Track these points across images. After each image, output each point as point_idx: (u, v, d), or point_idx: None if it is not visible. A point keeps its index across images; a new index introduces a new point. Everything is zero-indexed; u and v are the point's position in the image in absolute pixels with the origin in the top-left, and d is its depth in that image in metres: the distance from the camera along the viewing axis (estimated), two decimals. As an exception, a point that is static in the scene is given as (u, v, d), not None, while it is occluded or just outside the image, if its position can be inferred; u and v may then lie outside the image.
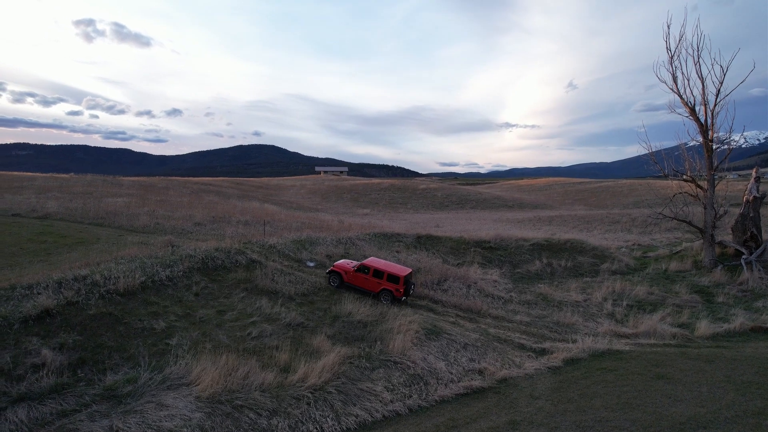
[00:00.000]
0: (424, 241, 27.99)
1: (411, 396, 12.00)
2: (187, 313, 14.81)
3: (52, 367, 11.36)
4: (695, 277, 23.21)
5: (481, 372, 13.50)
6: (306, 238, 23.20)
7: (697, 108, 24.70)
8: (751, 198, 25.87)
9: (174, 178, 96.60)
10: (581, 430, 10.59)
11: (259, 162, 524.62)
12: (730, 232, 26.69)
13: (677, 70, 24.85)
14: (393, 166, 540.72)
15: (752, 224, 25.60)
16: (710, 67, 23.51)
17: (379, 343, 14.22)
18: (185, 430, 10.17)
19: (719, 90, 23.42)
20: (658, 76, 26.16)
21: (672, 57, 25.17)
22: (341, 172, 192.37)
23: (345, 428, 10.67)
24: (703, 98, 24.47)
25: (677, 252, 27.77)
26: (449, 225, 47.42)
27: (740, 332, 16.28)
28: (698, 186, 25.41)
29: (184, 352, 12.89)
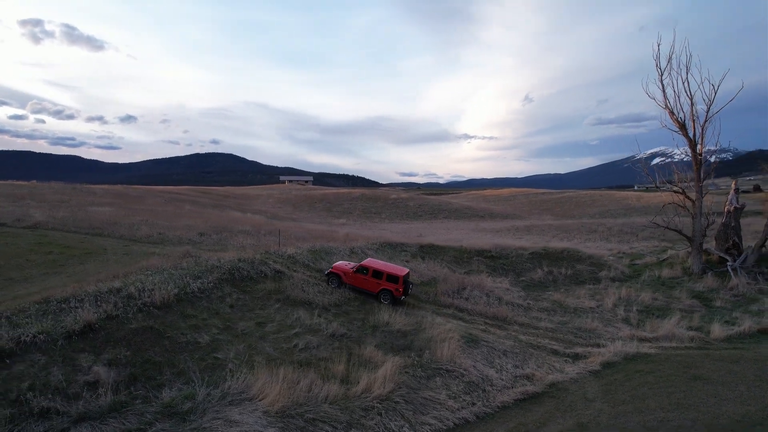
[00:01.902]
0: (428, 251, 28.31)
1: (475, 403, 12.17)
2: (227, 326, 14.45)
3: (107, 385, 10.85)
4: (689, 283, 24.56)
5: (529, 377, 13.82)
6: (321, 248, 23.02)
7: (687, 123, 26.26)
8: (732, 208, 27.68)
9: (139, 186, 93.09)
10: (647, 430, 11.03)
11: (216, 170, 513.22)
12: (713, 240, 28.40)
13: (667, 87, 26.41)
14: (354, 176, 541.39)
15: (734, 233, 27.38)
16: (700, 83, 25.10)
17: (427, 351, 14.34)
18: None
19: (709, 107, 25.06)
20: (647, 92, 27.69)
21: (662, 75, 26.73)
22: (306, 181, 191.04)
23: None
24: (692, 114, 26.09)
25: (664, 260, 29.28)
26: (432, 234, 47.87)
27: (749, 334, 17.38)
28: (687, 197, 26.95)
29: (237, 366, 12.60)
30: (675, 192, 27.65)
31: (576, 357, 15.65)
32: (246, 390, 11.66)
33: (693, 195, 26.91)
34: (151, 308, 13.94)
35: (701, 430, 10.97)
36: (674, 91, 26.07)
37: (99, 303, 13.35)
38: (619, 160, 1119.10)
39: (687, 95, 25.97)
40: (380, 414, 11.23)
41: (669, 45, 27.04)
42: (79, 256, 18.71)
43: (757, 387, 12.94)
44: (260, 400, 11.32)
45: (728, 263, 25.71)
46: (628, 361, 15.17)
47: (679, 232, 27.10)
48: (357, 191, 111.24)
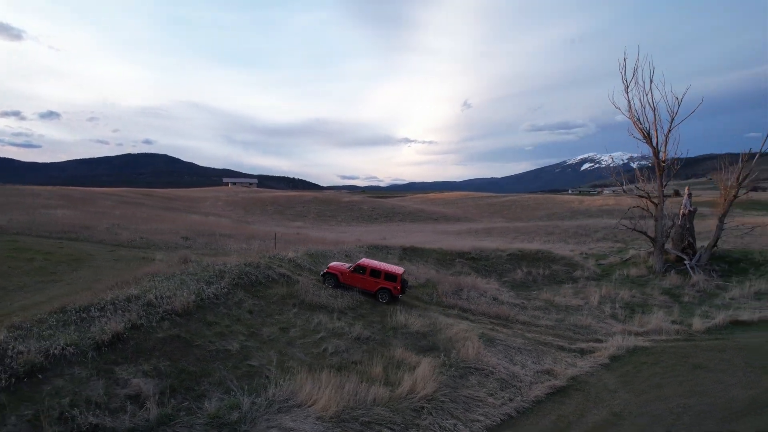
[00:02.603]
0: (410, 253, 28.71)
1: (512, 399, 12.65)
2: (251, 332, 14.09)
3: (149, 398, 10.35)
4: (655, 281, 26.57)
5: (550, 372, 14.51)
6: (316, 251, 22.78)
7: (650, 132, 28.41)
8: (686, 212, 30.21)
9: (76, 188, 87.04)
10: (676, 415, 11.98)
11: (150, 171, 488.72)
12: (670, 241, 30.82)
13: (634, 99, 28.46)
14: (295, 179, 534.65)
15: (688, 234, 29.90)
16: (663, 95, 27.26)
17: (453, 351, 14.69)
18: (324, 451, 9.94)
19: (673, 118, 27.26)
20: (614, 103, 29.75)
21: (627, 87, 28.80)
22: (251, 183, 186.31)
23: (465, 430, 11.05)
24: (655, 124, 28.27)
25: (627, 259, 31.43)
26: (393, 238, 48.17)
27: (724, 326, 19.11)
28: (651, 201, 29.11)
29: (274, 373, 12.38)
30: (640, 196, 29.76)
31: (582, 352, 16.56)
32: (292, 397, 11.49)
33: (656, 199, 29.09)
34: (174, 316, 13.35)
35: (721, 413, 12.03)
36: (640, 102, 28.16)
37: (120, 312, 12.62)
38: (551, 165, 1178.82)
39: (650, 107, 28.14)
40: (431, 414, 11.45)
41: (633, 60, 29.16)
42: (68, 262, 17.45)
43: (751, 373, 14.33)
44: (310, 406, 11.20)
45: (686, 262, 28.05)
46: (631, 354, 16.26)
47: (644, 233, 29.22)
48: (308, 194, 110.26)
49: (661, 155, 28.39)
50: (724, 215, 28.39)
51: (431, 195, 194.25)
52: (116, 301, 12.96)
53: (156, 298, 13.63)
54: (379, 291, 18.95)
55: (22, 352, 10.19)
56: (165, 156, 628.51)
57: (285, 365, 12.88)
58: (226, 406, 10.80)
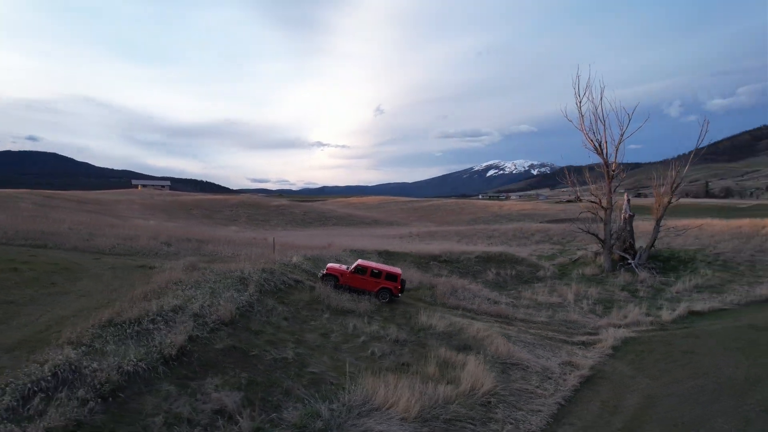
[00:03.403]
0: (386, 257, 29.20)
1: (557, 389, 13.71)
2: (297, 339, 13.87)
3: (235, 412, 9.99)
4: (610, 279, 29.47)
5: (571, 364, 15.82)
6: (313, 256, 22.54)
7: (601, 144, 31.45)
8: (626, 216, 33.75)
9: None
10: (696, 393, 13.71)
11: (37, 171, 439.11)
12: (615, 242, 34.21)
13: (586, 113, 31.35)
14: (203, 181, 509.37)
15: (629, 236, 33.43)
16: (614, 110, 30.37)
17: (486, 349, 15.45)
18: (419, 450, 10.24)
19: (623, 132, 30.47)
20: (567, 117, 32.56)
21: (580, 102, 31.71)
22: (163, 186, 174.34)
23: (544, 422, 11.90)
24: (604, 137, 31.37)
25: (576, 260, 34.42)
26: (340, 242, 48.08)
27: (685, 316, 21.80)
28: (601, 206, 32.16)
29: (336, 379, 12.38)
30: (592, 202, 32.76)
31: (584, 344, 18.18)
32: (367, 401, 11.57)
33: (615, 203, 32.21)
34: (222, 326, 12.78)
35: (728, 390, 13.90)
36: (594, 116, 31.12)
37: (171, 323, 11.87)
38: (459, 171, 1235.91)
39: (601, 121, 31.23)
40: (499, 407, 12.13)
41: (576, 76, 32.23)
42: (58, 272, 15.73)
43: (732, 355, 16.58)
44: (388, 409, 11.36)
45: (630, 261, 31.37)
46: (625, 344, 18.13)
47: (596, 235, 32.21)
48: (233, 198, 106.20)
49: (613, 165, 31.53)
50: (659, 219, 32.14)
51: (352, 199, 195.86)
52: (163, 313, 12.14)
53: (200, 308, 12.93)
54: (380, 291, 19.34)
55: (97, 370, 9.34)
56: (54, 155, 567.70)
57: (343, 370, 12.84)
58: (307, 415, 10.65)
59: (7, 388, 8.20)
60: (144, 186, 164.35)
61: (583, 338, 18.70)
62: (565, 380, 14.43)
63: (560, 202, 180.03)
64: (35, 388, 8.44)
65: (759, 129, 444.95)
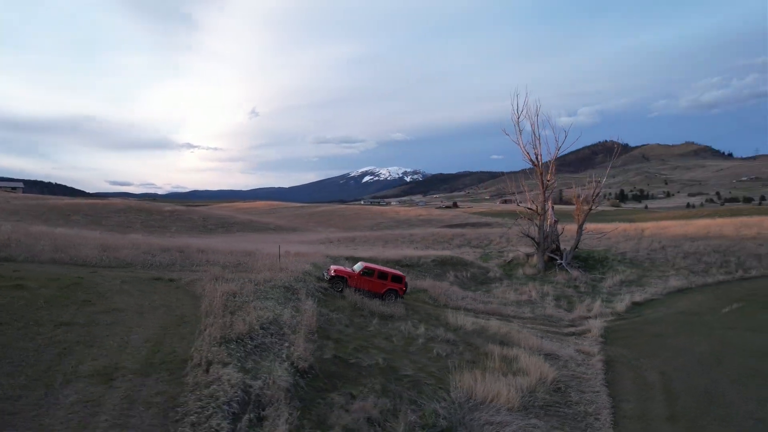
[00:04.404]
0: (353, 262, 29.33)
1: (594, 373, 15.77)
2: (373, 345, 14.12)
3: (380, 420, 10.17)
4: (550, 277, 33.08)
5: (583, 352, 18.12)
6: (317, 262, 22.20)
7: (537, 158, 35.21)
8: (552, 221, 38.09)
9: None
10: (689, 366, 16.51)
11: None
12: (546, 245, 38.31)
13: (523, 130, 34.93)
14: (52, 183, 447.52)
15: (556, 239, 37.77)
16: (551, 125, 34.22)
17: (520, 343, 16.91)
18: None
19: (559, 147, 34.48)
20: (506, 132, 35.93)
21: (518, 119, 35.23)
22: (14, 188, 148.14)
23: (608, 400, 13.68)
24: (539, 151, 35.20)
25: (510, 261, 37.88)
26: (267, 249, 46.18)
27: (631, 306, 25.61)
28: (536, 212, 35.88)
29: (426, 378, 12.88)
30: (529, 209, 36.41)
31: (574, 334, 20.71)
32: (469, 397, 12.43)
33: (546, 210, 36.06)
34: (315, 336, 12.47)
35: (708, 362, 16.91)
36: (534, 135, 34.78)
37: (279, 336, 11.36)
38: (335, 177, 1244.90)
39: (536, 137, 35.03)
40: (569, 391, 13.67)
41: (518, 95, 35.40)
42: (72, 288, 13.65)
43: (688, 336, 20.09)
44: (491, 402, 12.30)
45: (559, 261, 35.53)
46: (607, 332, 20.98)
47: (532, 238, 35.85)
48: (119, 202, 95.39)
49: (548, 176, 35.47)
50: (581, 224, 36.89)
51: (238, 204, 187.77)
52: (264, 326, 11.56)
53: (290, 319, 12.51)
54: (387, 292, 19.75)
55: (263, 388, 8.85)
56: None
57: (427, 371, 13.37)
58: (429, 415, 11.10)
59: (212, 409, 7.53)
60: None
61: (574, 329, 21.24)
62: (590, 365, 16.51)
63: (440, 207, 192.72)
64: (232, 409, 7.82)
65: (596, 144, 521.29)
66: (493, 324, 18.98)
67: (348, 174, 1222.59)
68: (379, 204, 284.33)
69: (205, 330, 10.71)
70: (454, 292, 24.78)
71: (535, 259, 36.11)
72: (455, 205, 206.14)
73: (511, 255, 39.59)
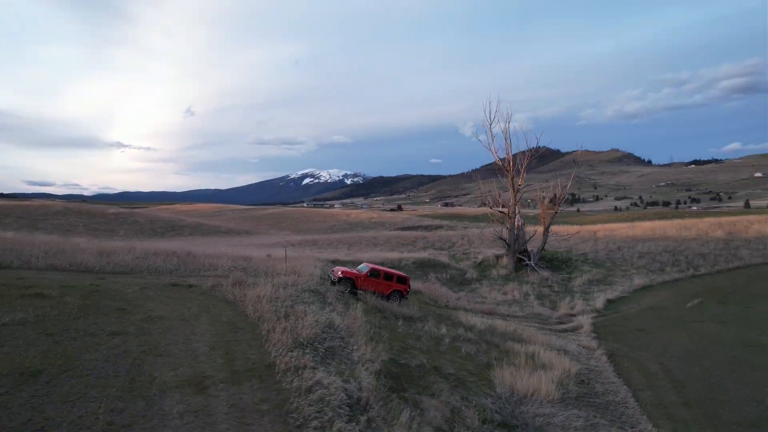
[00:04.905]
0: (341, 265, 29.40)
1: (603, 366, 16.82)
2: (409, 346, 14.29)
3: (456, 417, 10.58)
4: (523, 277, 34.67)
5: (585, 347, 19.27)
6: (319, 266, 21.98)
7: (509, 163, 36.75)
8: (520, 224, 39.86)
9: None
10: (680, 357, 18.09)
11: None
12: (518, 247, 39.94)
13: (495, 136, 36.41)
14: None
15: (523, 241, 39.55)
16: (522, 131, 35.87)
17: (532, 340, 17.80)
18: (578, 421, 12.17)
19: (532, 155, 36.07)
20: (478, 138, 37.34)
21: (491, 125, 36.66)
22: None
23: (626, 388, 14.77)
24: (510, 157, 36.71)
25: (480, 262, 39.25)
26: (229, 252, 44.68)
27: (607, 304, 27.42)
28: (508, 215, 37.41)
29: (471, 377, 13.38)
30: (501, 212, 37.88)
31: (567, 331, 21.98)
32: (512, 392, 13.06)
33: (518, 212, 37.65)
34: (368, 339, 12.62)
35: (694, 353, 18.58)
36: (505, 138, 36.29)
37: (341, 339, 11.46)
38: (275, 179, 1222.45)
39: (508, 143, 36.61)
40: (594, 383, 14.66)
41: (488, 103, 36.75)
42: (94, 297, 12.95)
43: (667, 329, 21.91)
44: (532, 395, 13.02)
45: (528, 262, 37.28)
46: (595, 328, 22.39)
47: (504, 240, 37.34)
48: (55, 204, 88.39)
49: (519, 180, 37.10)
50: (548, 227, 38.92)
51: (179, 206, 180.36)
52: (326, 330, 11.54)
53: (340, 323, 12.55)
54: (392, 293, 20.28)
55: (361, 390, 8.95)
56: None
57: (466, 369, 13.85)
58: (481, 410, 11.60)
59: (330, 412, 7.60)
60: None
61: (562, 326, 22.50)
62: (597, 359, 17.71)
63: (385, 210, 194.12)
64: (345, 412, 7.92)
65: (530, 150, 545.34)
66: (499, 323, 19.82)
67: (288, 176, 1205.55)
68: (322, 206, 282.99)
69: (270, 335, 10.59)
70: (445, 293, 25.50)
71: (505, 260, 37.69)
72: (399, 208, 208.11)
73: (480, 256, 41.03)
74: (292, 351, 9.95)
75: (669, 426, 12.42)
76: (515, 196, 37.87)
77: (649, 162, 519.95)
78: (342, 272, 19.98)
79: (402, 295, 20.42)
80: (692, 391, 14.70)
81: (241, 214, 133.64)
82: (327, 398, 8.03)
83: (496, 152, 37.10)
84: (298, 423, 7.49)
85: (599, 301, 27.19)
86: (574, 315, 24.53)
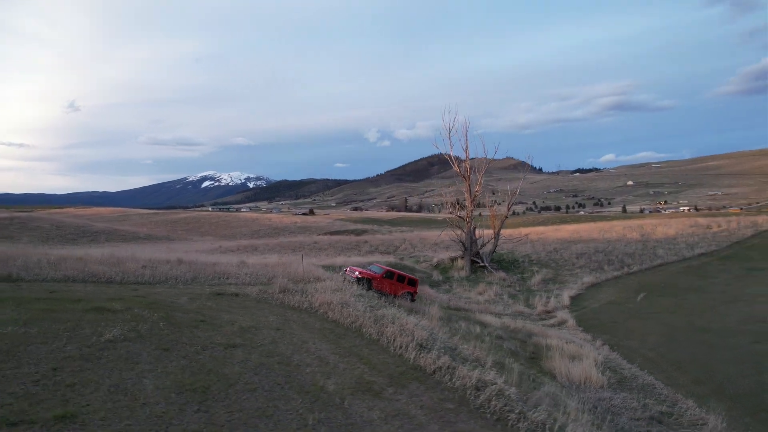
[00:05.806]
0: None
1: (608, 355, 18.72)
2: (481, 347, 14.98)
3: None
4: (482, 278, 36.67)
5: (582, 339, 21.17)
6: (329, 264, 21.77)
7: (467, 171, 38.73)
8: (473, 228, 42.09)
9: None
10: (666, 343, 20.63)
11: None
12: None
13: (454, 145, 38.28)
14: None
15: (476, 244, 41.79)
16: (480, 139, 37.93)
17: (545, 335, 19.30)
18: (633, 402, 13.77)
19: (488, 164, 38.28)
20: (436, 145, 38.94)
21: (450, 134, 38.44)
22: None
23: (651, 375, 16.72)
24: (468, 165, 38.74)
25: (436, 265, 40.81)
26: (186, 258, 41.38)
27: (570, 302, 30.04)
28: (465, 220, 39.34)
29: (533, 368, 14.47)
30: (459, 216, 39.73)
31: (553, 326, 23.92)
32: (569, 381, 14.24)
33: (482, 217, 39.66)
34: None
35: (679, 338, 21.33)
36: (463, 146, 38.23)
37: (422, 340, 11.90)
38: (172, 181, 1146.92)
39: (467, 152, 38.62)
40: (621, 370, 16.40)
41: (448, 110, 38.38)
42: (149, 310, 12.09)
43: (639, 321, 24.73)
44: (585, 383, 14.41)
45: (482, 264, 39.53)
46: (578, 321, 24.61)
47: (462, 243, 39.21)
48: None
49: (476, 188, 39.20)
50: (499, 230, 41.55)
51: (74, 209, 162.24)
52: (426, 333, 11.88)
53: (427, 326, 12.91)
54: (403, 294, 20.87)
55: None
56: None
57: (518, 363, 14.86)
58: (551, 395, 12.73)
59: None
60: None
61: (552, 321, 24.46)
62: (602, 349, 19.59)
63: (297, 214, 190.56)
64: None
65: (431, 156, 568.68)
66: (506, 320, 21.18)
67: (186, 178, 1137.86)
68: (228, 210, 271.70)
69: (394, 340, 10.75)
70: (434, 294, 26.46)
71: (461, 263, 39.65)
72: (312, 212, 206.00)
73: (435, 259, 42.63)
74: (420, 353, 10.25)
75: (696, 401, 14.43)
76: (472, 202, 40.03)
77: (540, 170, 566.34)
78: (360, 273, 20.29)
79: (412, 296, 21.02)
80: (694, 371, 17.06)
81: (151, 219, 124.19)
82: (505, 393, 8.55)
83: (453, 158, 39.02)
84: (495, 417, 7.94)
85: (565, 298, 29.78)
86: (550, 311, 26.73)
